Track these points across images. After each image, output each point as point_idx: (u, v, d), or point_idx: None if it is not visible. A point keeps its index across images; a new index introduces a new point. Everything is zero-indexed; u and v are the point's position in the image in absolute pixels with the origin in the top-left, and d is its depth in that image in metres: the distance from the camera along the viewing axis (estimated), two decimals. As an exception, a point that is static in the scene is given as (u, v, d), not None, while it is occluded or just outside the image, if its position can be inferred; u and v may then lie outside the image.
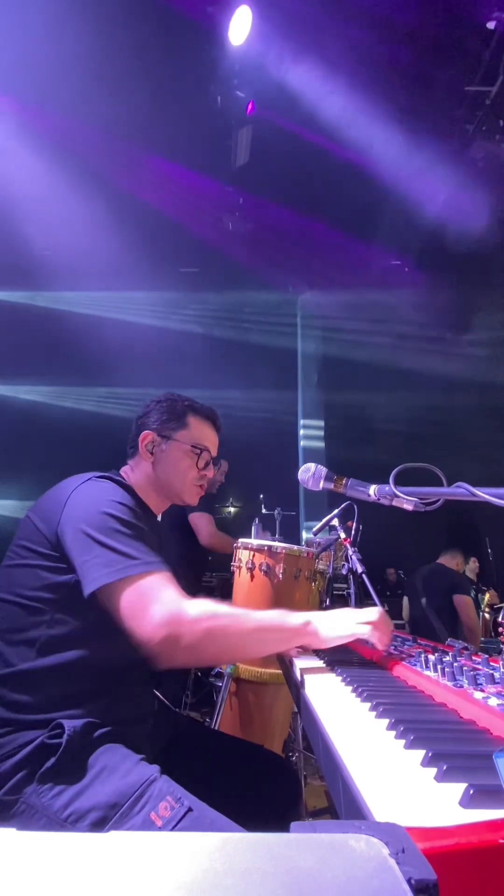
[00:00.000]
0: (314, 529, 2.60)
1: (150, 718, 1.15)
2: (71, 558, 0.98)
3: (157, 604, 0.92)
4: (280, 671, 1.69)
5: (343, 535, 2.33)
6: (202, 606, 0.94)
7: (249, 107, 4.55)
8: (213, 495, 3.33)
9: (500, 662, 0.85)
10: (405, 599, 4.07)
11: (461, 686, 0.76)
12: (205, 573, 3.24)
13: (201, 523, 2.95)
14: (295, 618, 1.00)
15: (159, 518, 1.33)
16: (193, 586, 3.08)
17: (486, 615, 4.96)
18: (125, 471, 1.27)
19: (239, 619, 0.97)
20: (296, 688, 0.94)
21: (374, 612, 1.02)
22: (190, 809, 0.80)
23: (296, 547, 1.96)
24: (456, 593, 3.51)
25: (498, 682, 0.76)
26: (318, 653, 1.14)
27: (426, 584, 3.68)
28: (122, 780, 0.86)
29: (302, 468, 1.25)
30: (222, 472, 3.33)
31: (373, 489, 1.13)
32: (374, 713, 0.69)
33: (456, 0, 4.06)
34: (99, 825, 0.81)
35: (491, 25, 4.02)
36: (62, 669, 0.97)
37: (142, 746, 1.05)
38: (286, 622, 0.99)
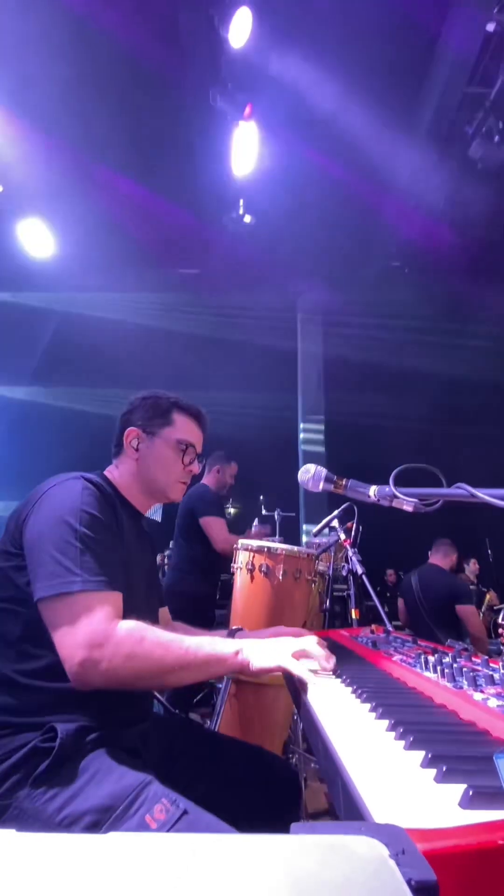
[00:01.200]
0: (314, 530, 2.60)
1: (148, 720, 1.14)
2: (26, 561, 0.99)
3: (83, 624, 0.90)
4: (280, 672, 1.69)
5: (343, 537, 2.34)
6: (129, 631, 0.92)
7: (248, 109, 4.55)
8: (221, 497, 3.30)
9: (500, 664, 0.85)
10: (401, 602, 3.99)
11: (461, 687, 0.76)
12: (221, 574, 3.20)
13: (214, 529, 2.87)
14: (226, 645, 0.98)
15: (150, 515, 1.33)
16: (208, 588, 3.06)
17: (486, 616, 4.95)
18: (110, 470, 1.27)
19: (165, 646, 0.93)
20: (295, 689, 0.94)
21: (310, 641, 0.99)
22: (185, 812, 0.80)
23: (296, 548, 1.95)
24: (459, 603, 3.42)
25: (498, 684, 0.76)
26: None
27: (423, 585, 3.61)
28: (117, 783, 0.85)
29: (302, 469, 1.25)
30: (231, 473, 3.30)
31: (373, 490, 1.12)
32: (373, 714, 0.69)
33: (456, 1, 4.07)
34: (93, 829, 0.80)
35: (490, 27, 4.02)
36: (47, 671, 0.95)
37: (139, 749, 1.04)
38: (216, 650, 0.97)
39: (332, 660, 0.99)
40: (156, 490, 1.26)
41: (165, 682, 1.00)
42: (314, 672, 0.94)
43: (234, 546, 2.05)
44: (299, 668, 0.93)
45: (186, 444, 1.26)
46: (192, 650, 0.95)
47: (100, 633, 0.90)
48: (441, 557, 3.69)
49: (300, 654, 0.98)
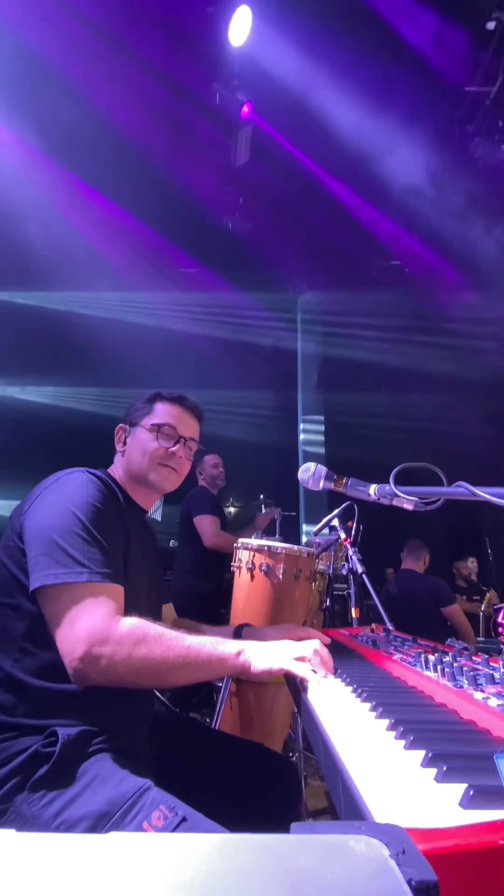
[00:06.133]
0: (314, 529, 2.61)
1: (148, 720, 1.14)
2: (26, 550, 0.98)
3: (86, 617, 0.89)
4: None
5: (343, 536, 2.34)
6: (131, 628, 0.91)
7: (245, 109, 4.53)
8: (215, 496, 3.32)
9: (500, 663, 0.85)
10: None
11: (461, 686, 0.76)
12: (225, 572, 3.20)
13: (203, 525, 2.93)
14: (228, 646, 0.97)
15: (152, 514, 1.34)
16: (214, 587, 3.07)
17: (485, 614, 4.94)
18: (112, 468, 1.30)
19: (166, 644, 0.92)
20: (296, 688, 0.94)
21: (311, 646, 0.99)
22: (184, 819, 0.79)
23: (296, 547, 1.95)
24: (443, 606, 3.41)
25: (498, 683, 0.76)
26: None
27: (403, 594, 3.52)
28: (115, 788, 0.84)
29: (302, 468, 1.25)
30: (211, 464, 3.27)
31: (373, 489, 1.12)
32: (374, 714, 0.69)
33: (455, 0, 4.06)
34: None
35: (491, 26, 4.02)
36: (50, 670, 0.94)
37: (139, 749, 1.04)
38: (217, 650, 0.96)
39: (329, 666, 0.98)
40: (140, 476, 1.25)
41: (165, 681, 0.98)
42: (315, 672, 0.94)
43: (235, 545, 2.05)
44: (301, 668, 0.92)
45: (160, 425, 1.25)
46: (194, 649, 0.94)
47: (102, 628, 0.89)
48: (414, 561, 3.64)
49: (300, 660, 0.97)
